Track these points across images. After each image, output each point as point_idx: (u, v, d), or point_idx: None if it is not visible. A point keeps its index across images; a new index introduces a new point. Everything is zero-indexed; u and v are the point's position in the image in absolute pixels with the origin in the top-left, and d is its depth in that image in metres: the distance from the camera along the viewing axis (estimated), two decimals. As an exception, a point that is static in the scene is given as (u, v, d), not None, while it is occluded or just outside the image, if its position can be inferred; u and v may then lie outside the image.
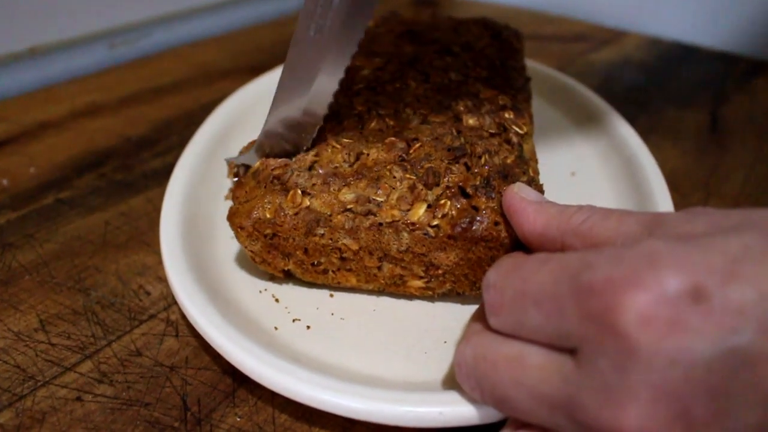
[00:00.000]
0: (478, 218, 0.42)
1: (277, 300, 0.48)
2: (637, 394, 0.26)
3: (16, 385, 0.42)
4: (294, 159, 0.45)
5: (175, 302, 0.49)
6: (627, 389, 0.26)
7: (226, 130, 0.65)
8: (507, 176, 0.43)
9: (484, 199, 0.42)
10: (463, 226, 0.42)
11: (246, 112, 0.68)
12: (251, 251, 0.46)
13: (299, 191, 0.44)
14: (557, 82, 0.75)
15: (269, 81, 0.73)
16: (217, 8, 1.08)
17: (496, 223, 0.42)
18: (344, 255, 0.45)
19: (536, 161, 0.48)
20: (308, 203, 0.44)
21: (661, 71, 0.90)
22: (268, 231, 0.44)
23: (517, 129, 0.48)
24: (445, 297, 0.48)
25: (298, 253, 0.45)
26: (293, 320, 0.46)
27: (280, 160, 0.46)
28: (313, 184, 0.44)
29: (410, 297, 0.48)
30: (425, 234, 0.42)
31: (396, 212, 0.43)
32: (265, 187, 0.45)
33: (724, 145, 0.72)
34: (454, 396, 0.37)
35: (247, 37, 1.03)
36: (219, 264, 0.50)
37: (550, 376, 0.30)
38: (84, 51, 0.94)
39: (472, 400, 0.36)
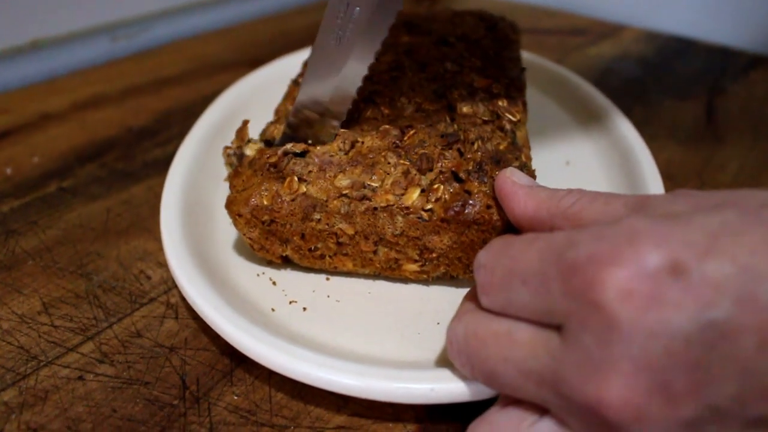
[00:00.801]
0: (471, 202, 0.43)
1: (274, 283, 0.48)
2: (619, 367, 0.27)
3: (19, 365, 0.43)
4: (290, 146, 0.46)
5: (175, 286, 0.50)
6: (609, 363, 0.27)
7: (225, 119, 0.65)
8: (499, 161, 0.44)
9: (476, 184, 0.43)
10: (456, 209, 0.43)
11: (245, 102, 0.69)
12: (249, 238, 0.47)
13: (296, 178, 0.45)
14: (554, 74, 0.75)
15: (268, 73, 0.74)
16: (218, 2, 1.09)
17: (488, 207, 0.42)
18: (340, 240, 0.46)
19: (529, 148, 0.49)
20: (305, 189, 0.44)
21: (659, 65, 0.90)
22: (266, 217, 0.45)
23: (510, 116, 0.49)
24: (440, 280, 0.49)
25: (295, 238, 0.46)
26: (290, 302, 0.47)
27: (274, 148, 0.47)
28: (309, 171, 0.45)
29: (405, 280, 0.49)
30: (419, 217, 0.43)
31: (390, 197, 0.43)
32: (261, 175, 0.46)
33: (720, 136, 0.72)
34: (445, 373, 0.38)
35: (247, 31, 1.04)
36: (217, 248, 0.51)
37: (537, 352, 0.30)
38: (86, 44, 0.95)
39: (463, 378, 0.37)
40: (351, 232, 0.45)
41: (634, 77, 0.87)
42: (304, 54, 0.74)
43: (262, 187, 0.45)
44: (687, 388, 0.26)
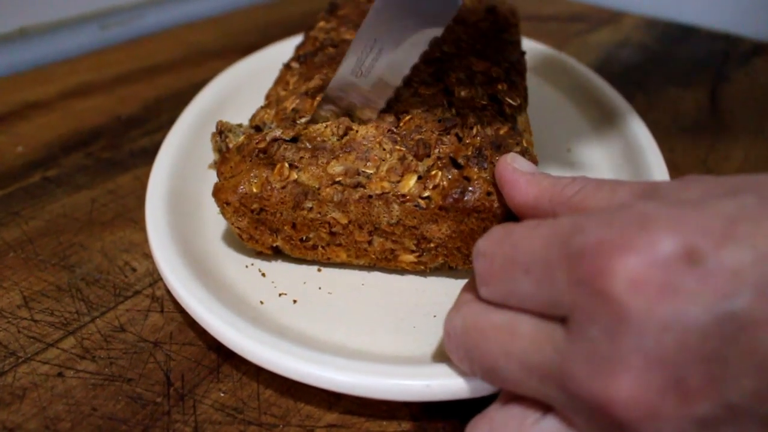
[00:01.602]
0: (470, 188, 0.41)
1: (263, 274, 0.47)
2: (629, 362, 0.25)
3: (-4, 361, 0.42)
4: (279, 130, 0.44)
5: (160, 278, 0.48)
6: (618, 357, 0.25)
7: (215, 106, 0.63)
8: (500, 147, 0.42)
9: (476, 170, 0.41)
10: (455, 196, 0.41)
11: (236, 89, 0.67)
12: (238, 228, 0.45)
13: (286, 164, 0.43)
14: (554, 60, 0.73)
15: (260, 59, 0.72)
16: (211, -11, 1.07)
17: (489, 194, 0.41)
18: (333, 229, 0.44)
19: (530, 133, 0.47)
20: (296, 176, 0.43)
21: (660, 52, 0.89)
22: (255, 206, 0.43)
23: (511, 101, 0.47)
24: (437, 271, 0.47)
25: (286, 228, 0.44)
26: (279, 294, 0.45)
27: (263, 133, 0.45)
28: (301, 158, 0.43)
29: (401, 272, 0.47)
30: (416, 205, 0.41)
31: (386, 184, 0.41)
32: (250, 161, 0.44)
33: (724, 124, 0.70)
34: (442, 369, 0.36)
35: (240, 18, 1.01)
36: (205, 239, 0.49)
37: (541, 346, 0.29)
38: (75, 32, 0.93)
39: (461, 373, 0.35)
40: (344, 221, 0.43)
41: (635, 64, 0.85)
42: (296, 40, 0.72)
43: (251, 174, 0.43)
44: (702, 385, 0.24)
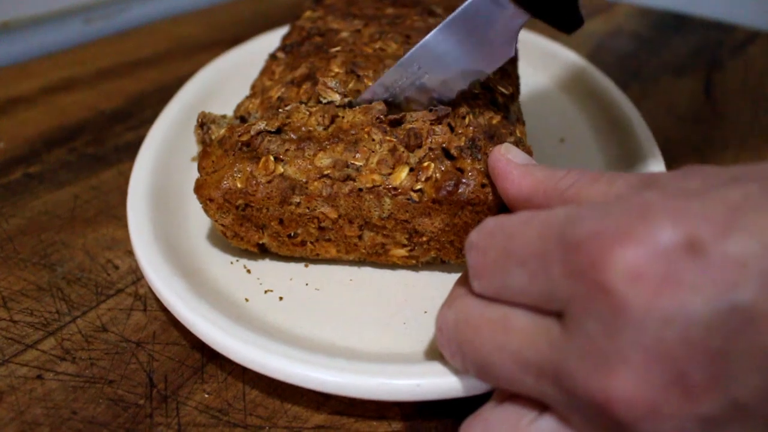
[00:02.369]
0: (464, 180, 0.39)
1: (248, 271, 0.45)
2: (628, 358, 0.24)
3: (-28, 363, 0.40)
4: (263, 122, 0.42)
5: (144, 276, 0.46)
6: (617, 353, 0.24)
7: (201, 99, 0.62)
8: (493, 137, 0.41)
9: (469, 161, 0.40)
10: (449, 189, 0.39)
11: (221, 82, 0.66)
12: (222, 225, 0.44)
13: (271, 158, 0.41)
14: (547, 50, 0.72)
15: (246, 51, 0.71)
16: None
17: (483, 185, 0.39)
18: (322, 224, 0.43)
19: (523, 123, 0.46)
20: (282, 170, 0.41)
21: (654, 40, 0.87)
22: (240, 202, 0.42)
23: (503, 90, 0.45)
24: (429, 266, 0.46)
25: (272, 224, 0.43)
26: (265, 291, 0.44)
27: (247, 125, 0.43)
28: (286, 150, 0.41)
29: (392, 266, 0.46)
30: (408, 199, 0.40)
31: (377, 176, 0.40)
32: (233, 154, 0.42)
33: (719, 113, 0.69)
34: (433, 367, 0.35)
35: (226, 12, 1.00)
36: (189, 235, 0.47)
37: (536, 341, 0.27)
38: (59, 26, 0.91)
39: (453, 371, 0.34)
40: (334, 215, 0.42)
41: (629, 53, 0.84)
42: (283, 31, 0.70)
43: (235, 169, 0.41)
44: (706, 381, 0.23)
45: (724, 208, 0.24)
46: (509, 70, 0.49)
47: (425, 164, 0.40)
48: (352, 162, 0.41)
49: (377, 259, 0.45)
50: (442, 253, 0.44)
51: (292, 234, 0.44)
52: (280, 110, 0.44)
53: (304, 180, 0.41)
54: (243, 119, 0.46)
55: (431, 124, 0.41)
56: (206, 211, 0.43)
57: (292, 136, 0.42)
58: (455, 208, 0.40)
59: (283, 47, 0.53)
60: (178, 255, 0.44)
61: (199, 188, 0.42)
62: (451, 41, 0.41)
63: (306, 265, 0.46)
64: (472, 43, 0.40)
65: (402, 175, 0.40)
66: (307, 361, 0.35)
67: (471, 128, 0.41)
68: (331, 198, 0.41)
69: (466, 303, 0.31)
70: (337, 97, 0.44)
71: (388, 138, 0.41)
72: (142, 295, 0.45)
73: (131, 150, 0.62)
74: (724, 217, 0.23)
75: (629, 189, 0.29)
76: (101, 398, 0.38)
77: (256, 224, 0.43)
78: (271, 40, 0.70)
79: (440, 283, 0.44)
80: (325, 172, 0.41)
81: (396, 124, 0.42)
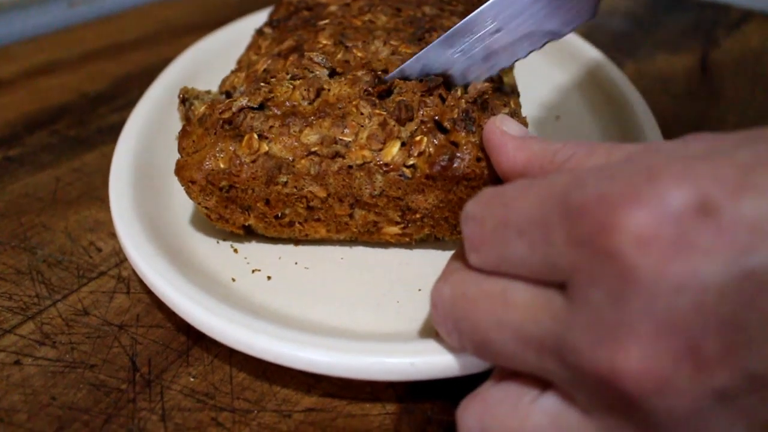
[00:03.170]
0: (459, 155, 0.38)
1: (235, 250, 0.44)
2: (638, 328, 0.22)
3: (-53, 349, 0.39)
4: (244, 98, 0.41)
5: (127, 258, 0.44)
6: (625, 324, 0.22)
7: (186, 79, 0.60)
8: (487, 108, 0.39)
9: (463, 134, 0.38)
10: (443, 164, 0.38)
11: (207, 62, 0.63)
12: (206, 207, 0.42)
13: (255, 135, 0.39)
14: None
15: (233, 31, 0.69)
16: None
17: (479, 159, 0.38)
18: (311, 204, 0.41)
19: (518, 95, 0.44)
20: (267, 148, 0.39)
21: (649, 19, 0.86)
22: (224, 183, 0.40)
23: (497, 61, 0.44)
24: (423, 243, 0.44)
25: (259, 205, 0.41)
26: (252, 271, 0.42)
27: (228, 101, 0.41)
28: (271, 127, 0.39)
29: (385, 244, 0.44)
30: (401, 175, 0.38)
31: (367, 152, 0.38)
32: (215, 133, 0.40)
33: (715, 90, 0.68)
34: (428, 345, 0.33)
35: (214, -7, 0.98)
36: (174, 215, 0.46)
37: (538, 314, 0.26)
38: (42, 10, 0.89)
39: (449, 349, 0.33)
40: (323, 194, 0.40)
41: (624, 32, 0.82)
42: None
43: (217, 148, 0.39)
44: (720, 352, 0.21)
45: (734, 168, 0.22)
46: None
47: (417, 138, 0.38)
48: (341, 138, 0.39)
49: (369, 238, 0.43)
50: (436, 230, 0.42)
51: (279, 215, 0.42)
52: (262, 84, 0.42)
53: (290, 158, 0.39)
54: (228, 94, 0.45)
55: (422, 95, 0.40)
56: (188, 193, 0.41)
57: (275, 111, 0.40)
58: (450, 183, 0.39)
59: (270, 22, 0.52)
60: (162, 235, 0.42)
61: (180, 170, 0.41)
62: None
63: (295, 244, 0.44)
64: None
65: (393, 150, 0.38)
66: (296, 341, 0.33)
67: (463, 100, 0.39)
68: (320, 176, 0.39)
69: (463, 277, 0.30)
70: (324, 72, 0.42)
71: (377, 111, 0.39)
72: (125, 277, 0.43)
73: (115, 132, 0.59)
74: (736, 177, 0.22)
75: (629, 158, 0.28)
76: (82, 383, 0.36)
77: (241, 206, 0.42)
78: (258, 20, 0.69)
79: (434, 260, 0.43)
80: (313, 149, 0.39)
81: (385, 96, 0.40)
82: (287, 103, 0.40)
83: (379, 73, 0.41)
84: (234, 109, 0.40)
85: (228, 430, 0.34)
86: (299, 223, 0.43)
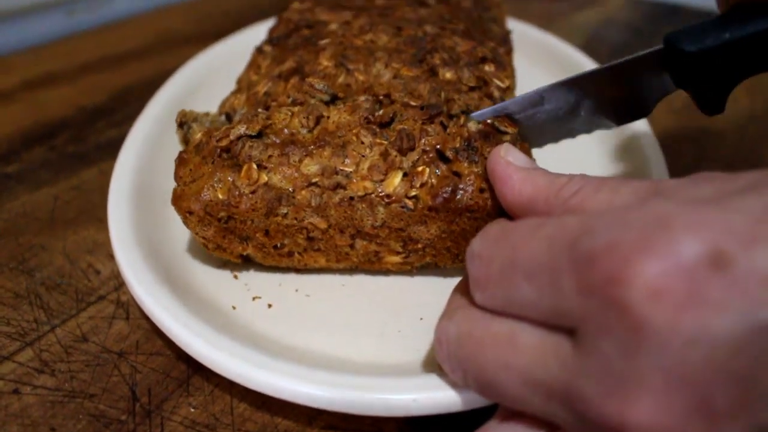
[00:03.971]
0: (461, 186, 0.37)
1: (236, 276, 0.43)
2: (648, 381, 0.22)
3: (-55, 377, 0.38)
4: (242, 125, 0.40)
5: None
6: (636, 376, 0.22)
7: (186, 95, 0.60)
8: (489, 136, 0.39)
9: (466, 164, 0.38)
10: (445, 195, 0.37)
11: (207, 77, 0.63)
12: (203, 238, 0.41)
13: (254, 165, 0.38)
14: (541, 41, 0.70)
15: (232, 44, 0.69)
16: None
17: (482, 190, 0.37)
18: (311, 234, 0.40)
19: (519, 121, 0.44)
20: (266, 179, 0.38)
21: (647, 31, 0.86)
22: (222, 214, 0.39)
23: (499, 82, 0.44)
24: (424, 270, 0.44)
25: (257, 236, 0.41)
26: (253, 298, 0.42)
27: (225, 128, 0.40)
28: (270, 156, 0.39)
29: (386, 272, 0.44)
30: (403, 207, 0.38)
31: (368, 184, 0.38)
32: (212, 162, 0.39)
33: (716, 104, 0.68)
34: (431, 380, 0.33)
35: (212, 3, 0.97)
36: (173, 238, 0.45)
37: (546, 359, 0.26)
38: (40, 20, 0.88)
39: (451, 384, 0.32)
40: (324, 226, 0.40)
41: (623, 44, 0.82)
42: (271, 23, 0.68)
43: (215, 178, 0.39)
44: (733, 408, 0.21)
45: (746, 217, 0.22)
46: (505, 62, 0.47)
47: (420, 169, 0.38)
48: (342, 168, 0.38)
49: (370, 266, 0.43)
50: (438, 258, 0.42)
51: (279, 245, 0.41)
52: (260, 111, 0.41)
53: (290, 189, 0.38)
54: (228, 116, 0.44)
55: (423, 123, 0.39)
56: (186, 223, 0.41)
57: (274, 140, 0.39)
58: (452, 215, 0.38)
59: (269, 40, 0.51)
60: (162, 260, 0.42)
61: (177, 200, 0.40)
62: (596, 86, 0.40)
63: (296, 271, 0.44)
64: (615, 94, 0.40)
65: (395, 181, 0.38)
66: (297, 376, 0.33)
67: (465, 128, 0.39)
68: (321, 208, 0.39)
69: (468, 315, 0.30)
70: (326, 98, 0.42)
71: (378, 140, 0.39)
72: (124, 302, 0.43)
73: (113, 148, 0.59)
74: (747, 227, 0.22)
75: (636, 197, 0.27)
76: (81, 414, 0.36)
77: (239, 236, 0.41)
78: (257, 33, 0.68)
79: (436, 287, 0.42)
80: (313, 180, 0.38)
81: (386, 124, 0.40)
82: (286, 131, 0.40)
83: (381, 97, 0.41)
84: (232, 137, 0.39)
85: (229, 462, 0.34)
86: (298, 253, 0.42)
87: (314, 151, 0.39)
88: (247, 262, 0.44)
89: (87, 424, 0.36)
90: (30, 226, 0.50)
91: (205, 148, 0.40)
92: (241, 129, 0.39)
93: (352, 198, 0.38)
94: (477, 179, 0.37)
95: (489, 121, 0.40)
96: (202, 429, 0.35)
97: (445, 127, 0.39)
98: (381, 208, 0.38)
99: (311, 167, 0.38)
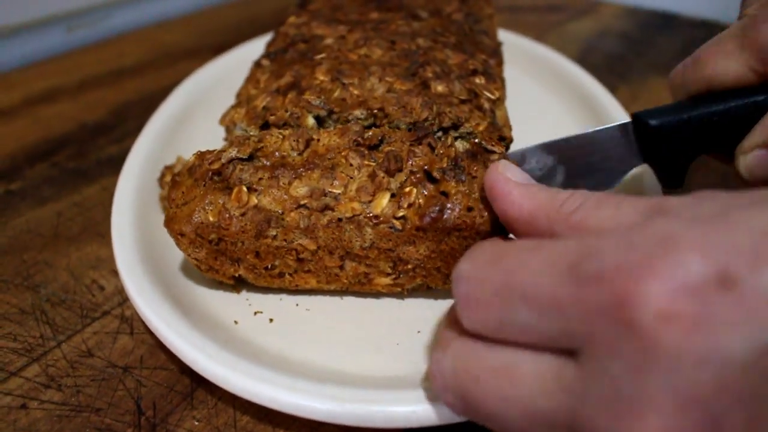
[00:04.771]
0: (449, 205, 0.37)
1: (237, 291, 0.44)
2: (658, 402, 0.22)
3: (-46, 394, 0.39)
4: (233, 149, 0.40)
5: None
6: (645, 396, 0.22)
7: (186, 110, 0.61)
8: (476, 155, 0.39)
9: (453, 183, 0.38)
10: (433, 215, 0.37)
11: (206, 92, 0.64)
12: (195, 259, 0.42)
13: (244, 188, 0.39)
14: (533, 52, 0.71)
15: (231, 59, 0.70)
16: (180, -13, 1.04)
17: (470, 209, 0.37)
18: (301, 256, 0.41)
19: (510, 128, 0.44)
20: (256, 201, 0.39)
21: (641, 40, 0.87)
22: (213, 236, 0.39)
23: (489, 94, 0.44)
24: (416, 292, 0.44)
25: (248, 257, 0.41)
26: (255, 313, 0.43)
27: (217, 151, 0.41)
28: (260, 179, 0.39)
29: (377, 295, 0.44)
30: (391, 227, 0.38)
31: (356, 205, 0.38)
32: (204, 185, 0.40)
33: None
34: (429, 392, 0.34)
35: (211, 18, 0.99)
36: (175, 254, 0.46)
37: (547, 386, 0.26)
38: (40, 35, 0.89)
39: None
40: (313, 247, 0.40)
41: (617, 54, 0.83)
42: (268, 37, 0.69)
43: (206, 201, 0.39)
44: (742, 426, 0.22)
45: (751, 235, 0.22)
46: (495, 74, 0.48)
47: (407, 189, 0.38)
48: (330, 190, 0.39)
49: (360, 288, 0.43)
50: (428, 279, 0.42)
51: (270, 266, 0.42)
52: (252, 134, 0.42)
53: (279, 211, 0.39)
54: (228, 129, 0.45)
55: (411, 145, 0.40)
56: (178, 245, 0.41)
57: (265, 162, 0.40)
58: (441, 234, 0.38)
59: (267, 54, 0.52)
60: (165, 276, 0.42)
61: (169, 222, 0.40)
62: (571, 152, 0.44)
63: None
64: (587, 161, 0.44)
65: (383, 202, 0.38)
66: (298, 390, 0.34)
67: (452, 149, 0.40)
68: (310, 230, 0.39)
69: (463, 348, 0.29)
70: (323, 113, 0.43)
71: (366, 162, 0.39)
72: (128, 317, 0.44)
73: (114, 164, 0.61)
74: (753, 245, 0.22)
75: (637, 214, 0.27)
76: (88, 428, 0.37)
77: (231, 257, 0.41)
78: (255, 49, 0.69)
79: (432, 303, 0.43)
80: (302, 202, 0.38)
81: (374, 146, 0.40)
82: (276, 154, 0.40)
83: (375, 111, 0.42)
84: (223, 160, 0.40)
85: (232, 474, 0.35)
86: (289, 274, 0.42)
87: (303, 174, 0.39)
88: (239, 284, 0.44)
89: (93, 438, 0.36)
90: (34, 242, 0.51)
91: (197, 170, 0.41)
92: (233, 152, 0.40)
93: (340, 219, 0.38)
94: (464, 198, 0.38)
95: (476, 140, 0.40)
96: (206, 441, 0.36)
97: (432, 149, 0.40)
98: (369, 229, 0.39)
99: (300, 189, 0.39)
